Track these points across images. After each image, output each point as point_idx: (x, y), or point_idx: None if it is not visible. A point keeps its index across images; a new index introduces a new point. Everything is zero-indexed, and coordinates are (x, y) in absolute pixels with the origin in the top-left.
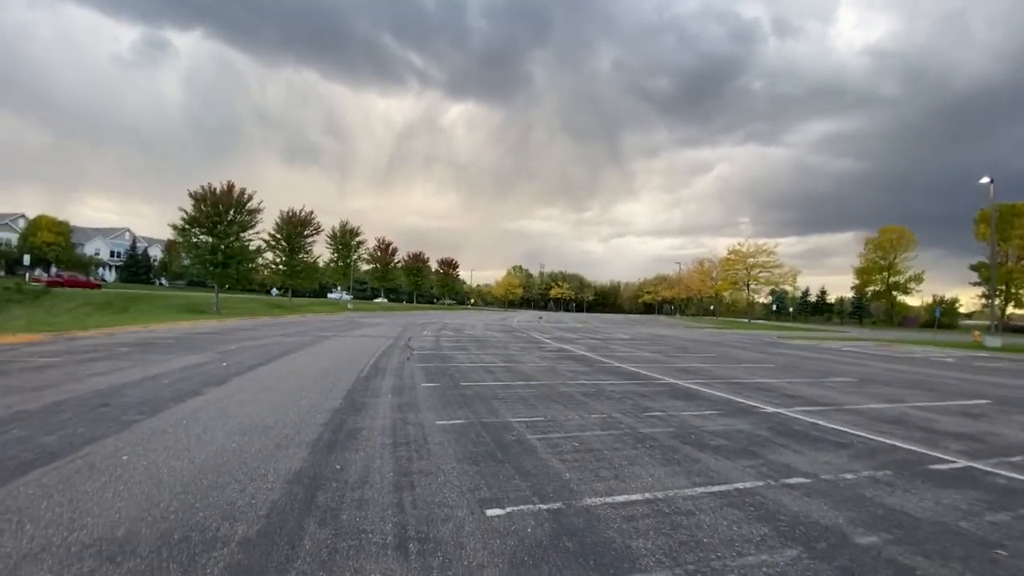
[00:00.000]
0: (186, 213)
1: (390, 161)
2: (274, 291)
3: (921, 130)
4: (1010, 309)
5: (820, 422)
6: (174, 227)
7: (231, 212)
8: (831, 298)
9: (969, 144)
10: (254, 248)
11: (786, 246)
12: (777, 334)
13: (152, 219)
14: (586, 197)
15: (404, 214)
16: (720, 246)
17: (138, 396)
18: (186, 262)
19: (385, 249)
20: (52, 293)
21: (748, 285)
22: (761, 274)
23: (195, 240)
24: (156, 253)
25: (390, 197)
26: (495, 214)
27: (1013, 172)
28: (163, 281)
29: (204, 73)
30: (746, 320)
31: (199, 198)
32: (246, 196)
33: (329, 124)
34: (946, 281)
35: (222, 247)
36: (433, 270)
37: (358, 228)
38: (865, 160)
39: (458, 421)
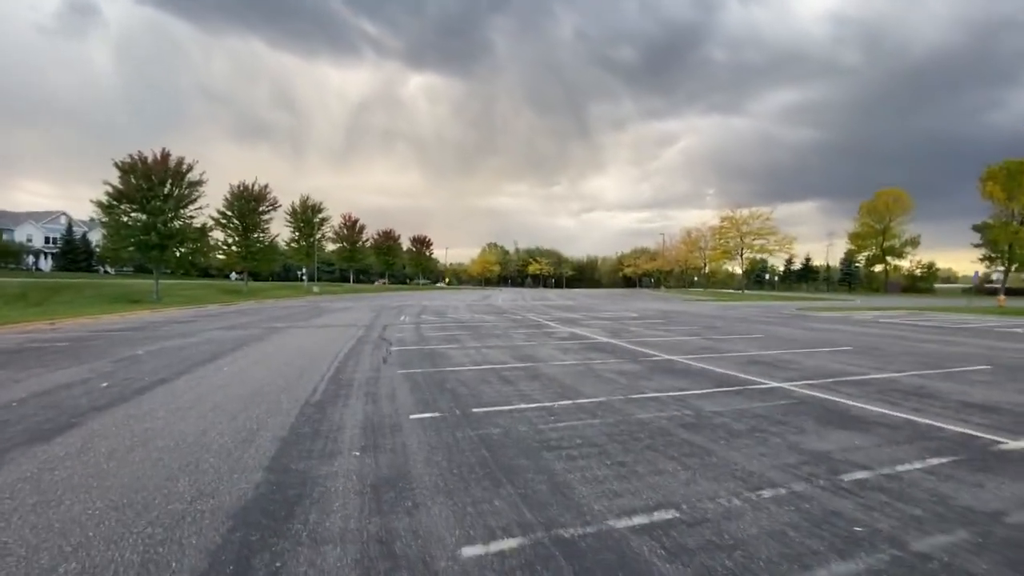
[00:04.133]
0: (112, 187)
1: (348, 137)
2: (233, 275)
3: (881, 98)
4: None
5: None
6: (99, 203)
7: (167, 185)
8: (816, 265)
9: (927, 112)
10: (198, 227)
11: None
12: (796, 305)
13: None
14: (554, 172)
15: (365, 193)
16: (688, 218)
17: None
18: (124, 245)
19: (352, 227)
20: None
21: (742, 253)
22: (756, 241)
23: (125, 219)
24: (97, 238)
25: (349, 175)
26: (462, 191)
27: (967, 138)
28: (108, 269)
29: (138, 43)
30: (740, 291)
31: (127, 169)
32: (185, 166)
33: (280, 98)
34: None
35: (157, 226)
36: (404, 249)
37: (320, 204)
38: (826, 129)
39: (509, 543)
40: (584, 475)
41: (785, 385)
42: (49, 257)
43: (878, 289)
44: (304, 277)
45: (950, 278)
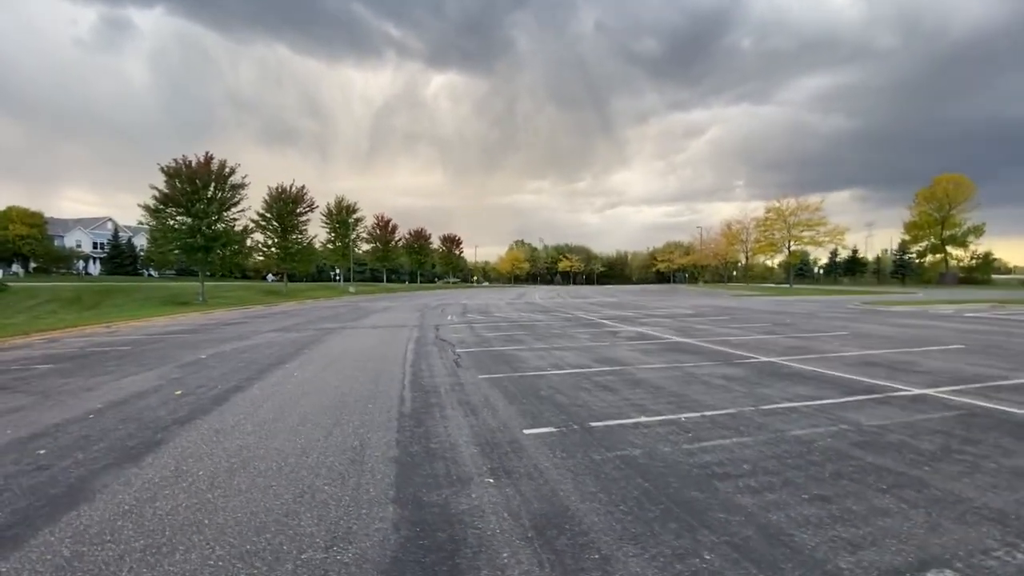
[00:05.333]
0: (158, 191)
1: (372, 139)
2: (270, 277)
3: (916, 83)
4: None
5: None
6: (146, 207)
7: (211, 188)
8: (863, 257)
9: (970, 94)
10: (240, 229)
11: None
12: (858, 299)
13: (134, 208)
14: (578, 168)
15: (390, 194)
16: (716, 211)
17: None
18: (171, 247)
19: (385, 227)
20: (11, 290)
21: (789, 246)
22: (804, 233)
23: (171, 222)
24: (142, 242)
25: (374, 177)
26: (485, 189)
27: (1009, 122)
28: (152, 272)
29: (170, 53)
30: (787, 285)
31: (173, 173)
32: (227, 169)
33: (306, 103)
34: None
35: (202, 228)
36: (435, 248)
37: (355, 204)
38: (860, 116)
39: None
40: (789, 515)
41: (930, 392)
42: (97, 262)
43: (929, 281)
44: (339, 277)
45: (1001, 268)
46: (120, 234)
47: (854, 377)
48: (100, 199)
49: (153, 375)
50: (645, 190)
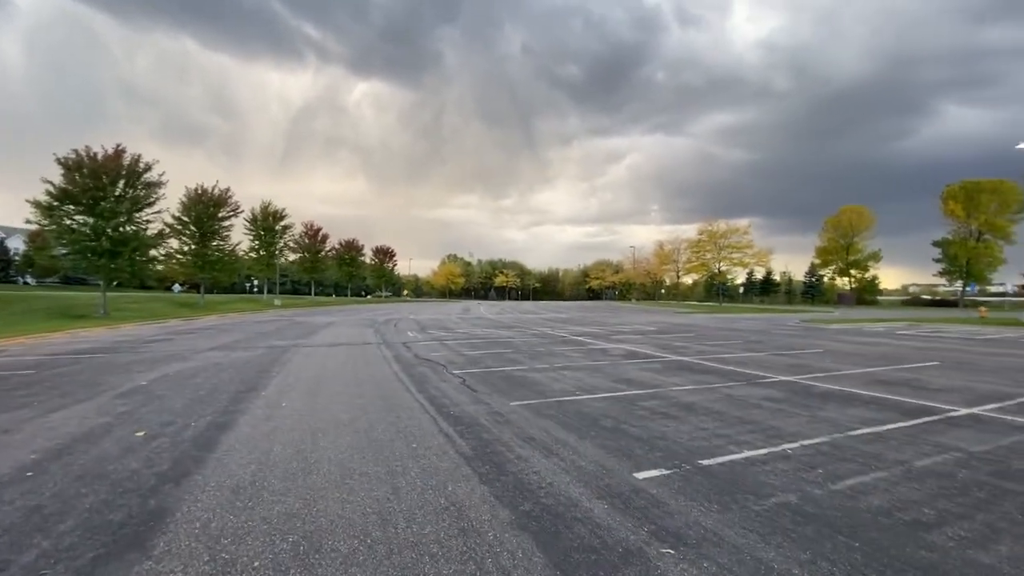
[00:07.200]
0: (53, 186)
1: (289, 143)
2: (176, 287)
3: (806, 123)
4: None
5: None
6: (37, 204)
7: (120, 185)
8: (777, 279)
9: (846, 137)
10: (154, 232)
11: (694, 232)
12: (795, 318)
13: (7, 207)
14: (504, 185)
15: (308, 202)
16: (633, 233)
17: None
18: (62, 251)
19: (314, 236)
20: None
21: (719, 266)
22: (733, 254)
23: (68, 222)
24: (17, 245)
25: (290, 183)
26: (411, 201)
27: (879, 162)
28: (28, 279)
29: (52, 35)
30: (717, 303)
31: (73, 166)
32: (142, 165)
33: (214, 101)
34: None
35: (108, 231)
36: (368, 260)
37: (283, 211)
38: (757, 150)
39: None
40: None
41: (978, 411)
42: None
43: (829, 301)
44: (256, 288)
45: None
46: None
47: (890, 397)
48: None
49: (90, 408)
50: (569, 210)
